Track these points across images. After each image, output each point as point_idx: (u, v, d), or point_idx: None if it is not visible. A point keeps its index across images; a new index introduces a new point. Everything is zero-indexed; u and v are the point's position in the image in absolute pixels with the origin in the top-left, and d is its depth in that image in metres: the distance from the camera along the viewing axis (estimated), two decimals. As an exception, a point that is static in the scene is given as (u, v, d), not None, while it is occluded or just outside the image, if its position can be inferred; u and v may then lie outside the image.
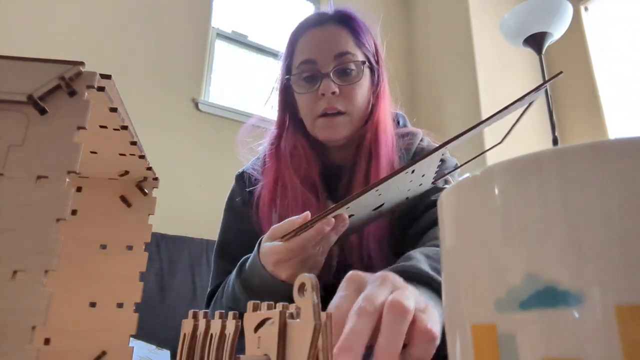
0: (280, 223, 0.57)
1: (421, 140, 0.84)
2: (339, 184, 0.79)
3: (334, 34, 0.78)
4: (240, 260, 0.67)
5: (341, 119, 0.75)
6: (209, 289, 0.85)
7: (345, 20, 0.79)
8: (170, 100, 2.30)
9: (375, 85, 0.81)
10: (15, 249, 0.22)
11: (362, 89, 0.77)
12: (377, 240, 0.72)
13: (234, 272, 0.67)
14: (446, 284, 0.21)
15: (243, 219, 0.82)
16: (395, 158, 0.77)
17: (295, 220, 0.56)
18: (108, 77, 0.28)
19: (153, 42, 2.33)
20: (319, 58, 0.76)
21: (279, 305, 0.26)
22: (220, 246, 0.86)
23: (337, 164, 0.82)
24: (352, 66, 0.76)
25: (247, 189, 0.84)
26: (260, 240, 0.61)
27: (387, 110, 0.81)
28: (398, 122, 0.87)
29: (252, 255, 0.63)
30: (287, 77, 0.80)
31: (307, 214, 0.55)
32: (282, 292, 0.58)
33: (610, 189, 0.16)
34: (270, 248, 0.57)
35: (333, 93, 0.74)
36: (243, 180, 0.86)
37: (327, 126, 0.75)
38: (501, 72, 2.80)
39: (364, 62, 0.77)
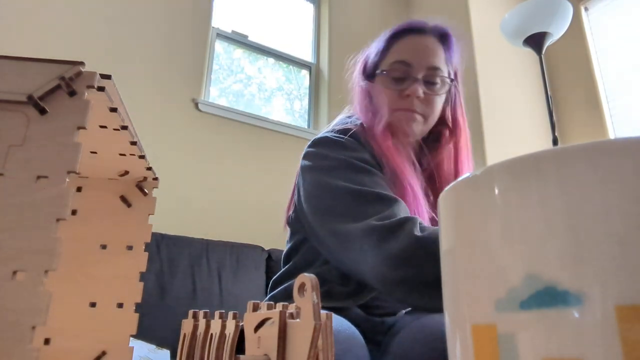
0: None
1: None
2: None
3: (432, 47, 0.86)
4: None
5: (419, 118, 0.84)
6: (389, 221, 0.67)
7: (443, 38, 0.88)
8: (170, 100, 2.30)
9: (451, 100, 0.91)
10: (15, 249, 0.22)
11: (440, 101, 0.87)
12: None
13: None
14: (446, 284, 0.21)
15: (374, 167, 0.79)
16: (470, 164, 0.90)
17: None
18: (108, 77, 0.28)
19: (153, 42, 2.33)
20: (415, 63, 0.84)
21: (279, 305, 0.26)
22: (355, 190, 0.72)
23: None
24: (439, 80, 0.85)
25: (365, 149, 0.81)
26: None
27: (466, 128, 0.92)
28: None
29: None
30: (382, 71, 0.86)
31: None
32: None
33: (610, 189, 0.16)
34: None
35: (418, 97, 0.83)
36: (360, 141, 0.82)
37: (409, 119, 0.84)
38: (501, 72, 2.80)
39: (449, 79, 0.87)
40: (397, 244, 0.62)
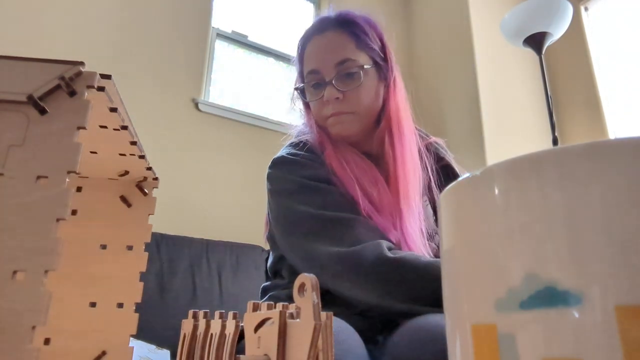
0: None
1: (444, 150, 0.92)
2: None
3: (334, 42, 0.82)
4: None
5: (348, 117, 0.81)
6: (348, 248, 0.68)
7: (346, 25, 0.82)
8: (170, 100, 2.30)
9: (385, 79, 0.85)
10: (15, 249, 0.22)
11: (367, 89, 0.82)
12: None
13: None
14: (446, 284, 0.21)
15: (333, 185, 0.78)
16: (414, 147, 0.84)
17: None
18: (108, 77, 0.28)
19: (153, 42, 2.33)
20: (322, 68, 0.81)
21: (279, 305, 0.26)
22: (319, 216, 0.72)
23: (367, 154, 0.85)
24: (353, 71, 0.80)
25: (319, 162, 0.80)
26: None
27: (400, 102, 0.85)
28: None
29: None
30: (300, 85, 0.86)
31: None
32: None
33: (610, 189, 0.16)
34: None
35: (337, 99, 0.80)
36: (315, 153, 0.82)
37: (337, 123, 0.81)
38: (501, 72, 2.80)
39: (363, 67, 0.81)
40: (369, 268, 0.65)
